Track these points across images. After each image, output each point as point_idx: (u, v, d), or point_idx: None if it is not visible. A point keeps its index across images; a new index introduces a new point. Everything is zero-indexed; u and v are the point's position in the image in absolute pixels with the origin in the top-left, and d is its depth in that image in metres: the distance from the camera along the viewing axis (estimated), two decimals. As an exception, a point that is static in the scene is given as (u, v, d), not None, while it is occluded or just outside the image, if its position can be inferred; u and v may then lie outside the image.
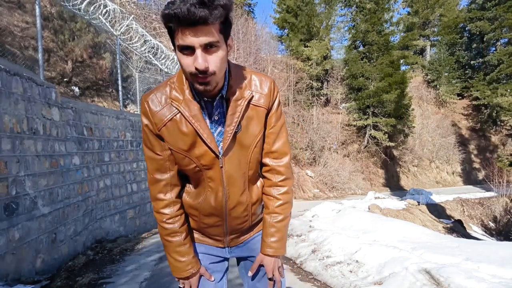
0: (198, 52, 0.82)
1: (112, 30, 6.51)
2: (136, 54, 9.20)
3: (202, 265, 1.14)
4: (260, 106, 1.02)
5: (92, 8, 5.72)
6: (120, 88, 6.87)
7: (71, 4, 5.21)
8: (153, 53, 8.16)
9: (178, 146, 0.98)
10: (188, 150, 0.98)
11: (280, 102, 1.08)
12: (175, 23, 0.80)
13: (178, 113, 0.96)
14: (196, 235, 1.16)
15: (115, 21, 6.60)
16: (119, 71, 6.83)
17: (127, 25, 6.86)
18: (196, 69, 0.83)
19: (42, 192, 3.33)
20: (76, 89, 8.08)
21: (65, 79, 7.95)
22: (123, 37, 7.02)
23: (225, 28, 0.87)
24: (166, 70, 9.10)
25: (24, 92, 3.17)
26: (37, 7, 4.08)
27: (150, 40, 7.98)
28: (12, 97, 2.98)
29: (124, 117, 5.99)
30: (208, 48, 0.83)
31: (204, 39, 0.81)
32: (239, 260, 1.24)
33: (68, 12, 7.78)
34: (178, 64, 10.04)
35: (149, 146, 1.02)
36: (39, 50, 4.06)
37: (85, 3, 5.38)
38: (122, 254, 4.17)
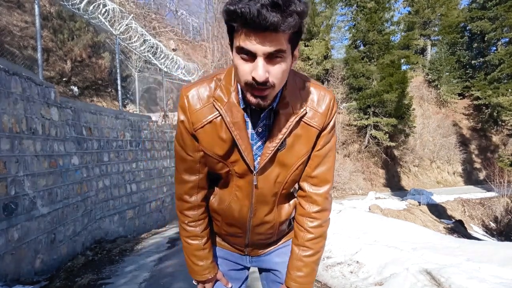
0: (260, 61, 0.71)
1: (111, 29, 6.50)
2: (135, 54, 9.19)
3: (220, 270, 1.09)
4: (313, 126, 0.89)
5: (91, 7, 5.70)
6: (119, 87, 6.86)
7: (70, 3, 5.20)
8: (152, 52, 8.15)
9: (213, 151, 0.90)
10: (224, 156, 0.90)
11: (335, 123, 0.95)
12: (239, 23, 0.69)
13: (219, 116, 0.86)
14: (217, 239, 1.11)
15: (115, 20, 6.59)
16: (118, 70, 6.82)
17: (126, 25, 6.85)
18: (254, 79, 0.72)
19: (41, 192, 3.32)
20: (75, 89, 8.07)
21: (64, 79, 7.94)
22: (123, 36, 7.01)
23: (296, 38, 0.75)
24: (165, 69, 9.09)
25: (23, 91, 3.16)
26: (36, 6, 4.07)
27: (150, 40, 7.97)
28: (11, 97, 2.97)
29: (123, 117, 5.97)
30: (271, 57, 0.72)
31: (269, 48, 0.70)
32: (261, 270, 1.18)
33: (67, 12, 7.78)
34: (179, 63, 10.04)
35: (181, 144, 0.94)
36: (38, 49, 4.05)
37: (84, 2, 5.37)
38: (121, 254, 4.15)
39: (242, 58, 0.73)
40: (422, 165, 22.84)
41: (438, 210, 13.63)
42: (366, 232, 4.56)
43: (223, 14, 0.71)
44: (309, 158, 0.94)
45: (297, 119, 0.87)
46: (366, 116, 20.47)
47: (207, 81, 0.89)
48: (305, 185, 0.97)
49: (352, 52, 21.13)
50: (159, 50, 8.27)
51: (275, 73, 0.74)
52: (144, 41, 7.77)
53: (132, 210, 5.99)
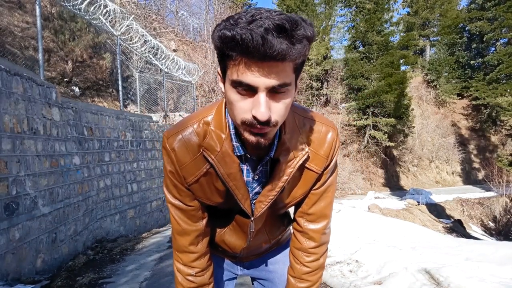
0: (262, 96, 0.59)
1: (112, 30, 6.52)
2: (136, 54, 9.22)
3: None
4: (312, 170, 0.81)
5: (92, 8, 5.72)
6: (120, 88, 6.87)
7: (71, 4, 5.22)
8: (153, 53, 8.18)
9: (211, 200, 0.83)
10: (223, 202, 0.84)
11: (337, 160, 0.85)
12: (238, 52, 0.57)
13: (211, 167, 0.77)
14: None
15: (115, 21, 6.61)
16: (119, 71, 6.84)
17: (127, 25, 6.87)
18: (255, 118, 0.61)
19: (43, 192, 3.34)
20: (76, 89, 8.09)
21: (65, 79, 7.96)
22: (123, 37, 7.03)
23: (301, 66, 0.64)
24: (166, 70, 9.11)
25: (24, 92, 3.18)
26: (37, 7, 4.09)
27: (150, 40, 7.99)
28: (13, 97, 2.99)
29: (125, 117, 5.99)
30: (274, 91, 0.61)
31: (274, 81, 0.59)
32: (253, 279, 1.12)
33: (68, 12, 7.79)
34: (179, 64, 10.09)
35: (176, 196, 0.83)
36: (39, 50, 4.07)
37: (85, 3, 5.39)
38: (122, 253, 4.17)
39: (239, 93, 0.62)
40: (421, 165, 22.88)
41: (437, 210, 13.66)
42: (365, 232, 4.58)
43: (216, 40, 0.58)
44: (306, 196, 0.87)
45: (298, 164, 0.77)
46: (365, 116, 20.52)
47: (193, 125, 0.76)
48: (301, 221, 0.90)
49: (351, 52, 21.18)
50: (159, 50, 8.29)
51: (278, 110, 0.63)
52: (145, 41, 7.79)
53: (133, 209, 6.01)
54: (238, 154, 0.75)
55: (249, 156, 0.76)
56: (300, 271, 0.92)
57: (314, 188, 0.86)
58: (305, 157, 0.78)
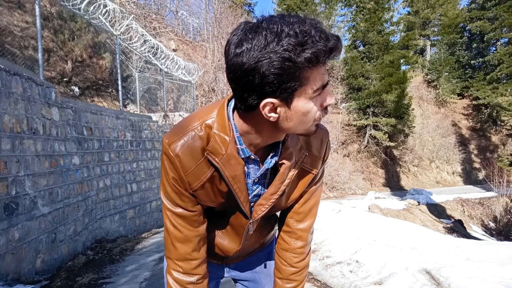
0: (328, 86, 0.66)
1: (112, 30, 6.51)
2: (136, 54, 9.22)
3: None
4: (310, 172, 0.84)
5: (92, 7, 5.72)
6: (120, 88, 6.87)
7: (71, 4, 5.21)
8: (153, 53, 8.17)
9: (215, 202, 0.82)
10: (224, 203, 0.84)
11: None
12: (324, 60, 0.61)
13: (215, 170, 0.76)
14: None
15: (115, 20, 6.60)
16: (119, 71, 6.83)
17: (127, 25, 6.86)
18: (326, 108, 0.67)
19: (42, 192, 3.33)
20: (76, 89, 8.09)
21: (65, 79, 7.96)
22: (123, 37, 7.02)
23: None
24: (166, 70, 9.10)
25: (23, 92, 3.17)
26: (37, 6, 4.08)
27: (150, 40, 7.99)
28: (12, 97, 2.98)
29: (124, 117, 5.98)
30: None
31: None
32: (235, 280, 1.12)
33: (68, 12, 7.79)
34: (179, 63, 10.10)
35: (178, 203, 0.81)
36: (39, 50, 4.06)
37: (85, 2, 5.38)
38: (122, 254, 4.16)
39: (314, 98, 0.64)
40: (422, 165, 22.87)
41: (437, 210, 13.66)
42: (365, 232, 4.57)
43: (310, 60, 0.58)
44: (301, 197, 0.90)
45: (298, 168, 0.81)
46: (366, 116, 20.51)
47: (194, 129, 0.74)
48: (290, 221, 0.92)
49: (351, 52, 21.17)
50: (159, 50, 8.29)
51: None
52: (145, 41, 7.78)
53: (133, 209, 6.00)
54: (243, 156, 0.75)
55: (253, 157, 0.76)
56: (288, 272, 0.94)
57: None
58: (303, 158, 0.81)
